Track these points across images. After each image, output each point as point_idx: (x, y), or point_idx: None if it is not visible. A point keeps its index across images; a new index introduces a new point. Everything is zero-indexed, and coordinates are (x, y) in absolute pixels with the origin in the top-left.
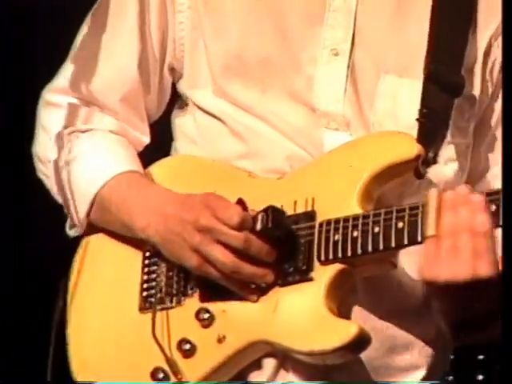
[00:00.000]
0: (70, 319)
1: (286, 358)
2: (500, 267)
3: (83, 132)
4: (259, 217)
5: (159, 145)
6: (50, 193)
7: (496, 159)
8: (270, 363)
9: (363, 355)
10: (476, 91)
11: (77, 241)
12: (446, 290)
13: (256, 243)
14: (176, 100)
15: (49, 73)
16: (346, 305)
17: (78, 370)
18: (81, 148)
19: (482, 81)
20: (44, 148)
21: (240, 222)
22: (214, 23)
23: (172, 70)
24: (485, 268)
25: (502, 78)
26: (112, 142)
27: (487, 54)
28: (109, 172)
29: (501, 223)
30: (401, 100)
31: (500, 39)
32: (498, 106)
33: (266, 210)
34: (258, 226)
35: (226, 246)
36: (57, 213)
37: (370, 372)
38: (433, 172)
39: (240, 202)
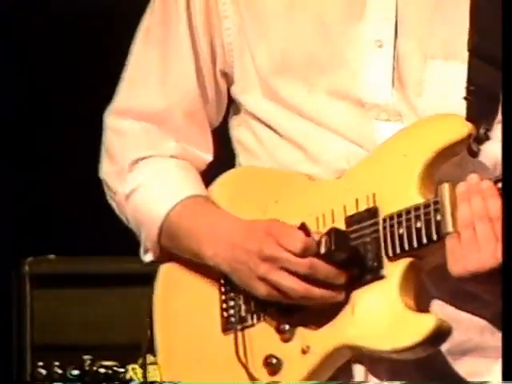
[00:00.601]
0: (159, 347)
1: (373, 362)
2: None
3: (144, 159)
4: (322, 240)
5: (224, 160)
6: None
7: None
8: (359, 369)
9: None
10: None
11: None
12: (478, 280)
13: (322, 268)
14: (230, 108)
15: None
16: (421, 297)
17: None
18: (144, 176)
19: None
20: (110, 177)
21: (303, 248)
22: (257, 25)
23: (225, 74)
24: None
25: (501, 78)
26: (174, 166)
27: None
28: (174, 197)
29: None
30: (450, 83)
31: None
32: None
33: (328, 233)
34: (322, 250)
35: (293, 272)
36: None
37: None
38: (486, 149)
39: (302, 226)
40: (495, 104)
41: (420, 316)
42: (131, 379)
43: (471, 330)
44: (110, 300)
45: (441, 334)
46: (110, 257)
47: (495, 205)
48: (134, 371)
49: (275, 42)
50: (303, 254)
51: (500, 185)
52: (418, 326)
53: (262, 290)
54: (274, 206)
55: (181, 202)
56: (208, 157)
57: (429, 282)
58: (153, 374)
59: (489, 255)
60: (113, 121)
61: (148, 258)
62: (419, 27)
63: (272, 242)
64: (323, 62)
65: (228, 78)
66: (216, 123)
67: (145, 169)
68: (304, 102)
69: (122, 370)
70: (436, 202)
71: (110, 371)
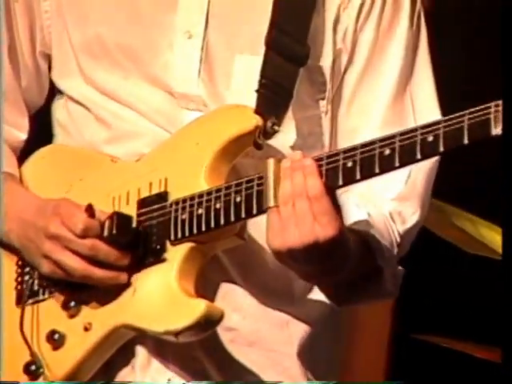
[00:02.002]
0: None
1: (157, 344)
2: (336, 225)
3: None
4: (106, 224)
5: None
6: None
7: (363, 133)
8: (141, 351)
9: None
10: (327, 61)
11: None
12: (294, 256)
13: (103, 249)
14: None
15: None
16: (205, 282)
17: None
18: None
19: (333, 50)
20: None
21: (83, 229)
22: (74, 11)
23: (46, 56)
24: (323, 230)
25: (501, 78)
26: None
27: (336, 22)
28: None
29: (341, 183)
30: (255, 77)
31: (349, 7)
32: (355, 72)
33: (111, 216)
34: (105, 233)
35: (76, 252)
36: None
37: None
38: (278, 142)
39: (89, 208)
40: (286, 98)
41: (192, 300)
42: None
43: (261, 321)
44: None
45: (211, 318)
46: None
47: (314, 184)
48: None
49: (91, 27)
50: (84, 234)
51: (321, 162)
52: (189, 310)
53: (45, 267)
54: (77, 184)
55: None
56: (22, 136)
57: (236, 273)
58: None
59: (306, 232)
60: None
61: None
62: (229, 20)
63: (57, 221)
64: (137, 50)
65: (48, 60)
66: (39, 102)
67: None
68: (119, 88)
69: None
70: (218, 190)
71: None
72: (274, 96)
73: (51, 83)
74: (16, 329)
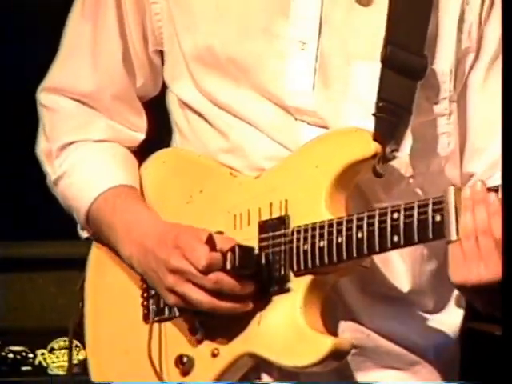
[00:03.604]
0: (87, 322)
1: (283, 371)
2: None
3: (72, 144)
4: (228, 256)
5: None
6: None
7: (498, 127)
8: (266, 378)
9: None
10: (447, 64)
11: None
12: (476, 291)
13: (227, 283)
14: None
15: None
16: (329, 311)
17: (95, 376)
18: (69, 165)
19: (456, 50)
20: (42, 157)
21: (207, 265)
22: (183, 19)
23: (160, 52)
24: None
25: (501, 77)
26: (100, 153)
27: (461, 20)
28: (96, 189)
29: None
30: (374, 86)
31: (471, 1)
32: (483, 67)
33: (233, 249)
34: (228, 266)
35: (200, 286)
36: None
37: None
38: (397, 163)
39: (209, 240)
40: (405, 118)
41: (319, 336)
42: (40, 364)
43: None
44: (18, 285)
45: (339, 353)
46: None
47: (500, 224)
48: (42, 356)
49: (201, 37)
50: (207, 270)
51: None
52: (316, 347)
53: (170, 299)
54: (198, 196)
55: (101, 194)
56: (140, 135)
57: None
58: (60, 358)
59: (491, 270)
60: (45, 97)
61: (84, 234)
62: (343, 27)
63: (179, 255)
64: (247, 62)
65: (162, 57)
66: (154, 93)
67: (70, 156)
68: (230, 97)
69: (32, 355)
70: (339, 223)
71: (19, 356)
72: (393, 117)
73: None
74: (144, 347)
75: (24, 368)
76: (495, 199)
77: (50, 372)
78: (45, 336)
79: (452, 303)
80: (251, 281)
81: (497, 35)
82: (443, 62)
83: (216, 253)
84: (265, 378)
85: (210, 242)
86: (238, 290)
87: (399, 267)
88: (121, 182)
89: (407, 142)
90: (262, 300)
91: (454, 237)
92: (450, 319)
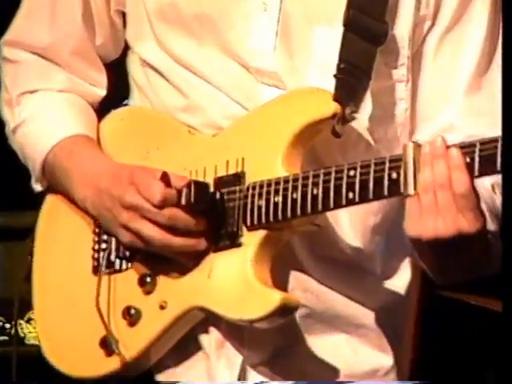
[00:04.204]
0: (34, 276)
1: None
2: (481, 220)
3: (32, 93)
4: (183, 192)
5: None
6: None
7: (447, 97)
8: (214, 332)
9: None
10: (405, 29)
11: None
12: (432, 245)
13: (182, 218)
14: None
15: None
16: (279, 268)
17: (40, 329)
18: (28, 112)
19: (414, 17)
20: (2, 106)
21: (162, 200)
22: None
23: (120, 13)
24: (469, 224)
25: (501, 77)
26: (59, 102)
27: None
28: (53, 138)
29: (477, 173)
30: (335, 52)
31: None
32: (437, 34)
33: (189, 185)
34: (183, 202)
35: (154, 221)
36: None
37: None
38: (356, 125)
39: (164, 176)
40: (364, 81)
41: (267, 290)
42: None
43: (334, 301)
44: None
45: (286, 309)
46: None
47: (460, 179)
48: (20, 326)
49: None
50: (161, 205)
51: (465, 150)
52: (264, 301)
53: (125, 237)
54: (155, 152)
55: (58, 143)
56: (101, 91)
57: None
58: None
59: (448, 225)
60: (7, 50)
61: (38, 187)
62: None
63: (133, 191)
64: (213, 20)
65: (123, 18)
66: (114, 56)
67: (30, 104)
68: (193, 56)
69: (8, 325)
70: (295, 180)
71: None
72: (353, 80)
73: None
74: (91, 299)
75: (0, 338)
76: (458, 154)
77: (26, 342)
78: (22, 306)
79: (401, 270)
80: (205, 217)
81: (453, 5)
82: (402, 28)
83: (171, 189)
84: (212, 331)
85: (165, 178)
86: (192, 226)
87: (350, 233)
88: (78, 131)
89: (366, 106)
90: (213, 253)
91: (411, 191)
92: (398, 284)
